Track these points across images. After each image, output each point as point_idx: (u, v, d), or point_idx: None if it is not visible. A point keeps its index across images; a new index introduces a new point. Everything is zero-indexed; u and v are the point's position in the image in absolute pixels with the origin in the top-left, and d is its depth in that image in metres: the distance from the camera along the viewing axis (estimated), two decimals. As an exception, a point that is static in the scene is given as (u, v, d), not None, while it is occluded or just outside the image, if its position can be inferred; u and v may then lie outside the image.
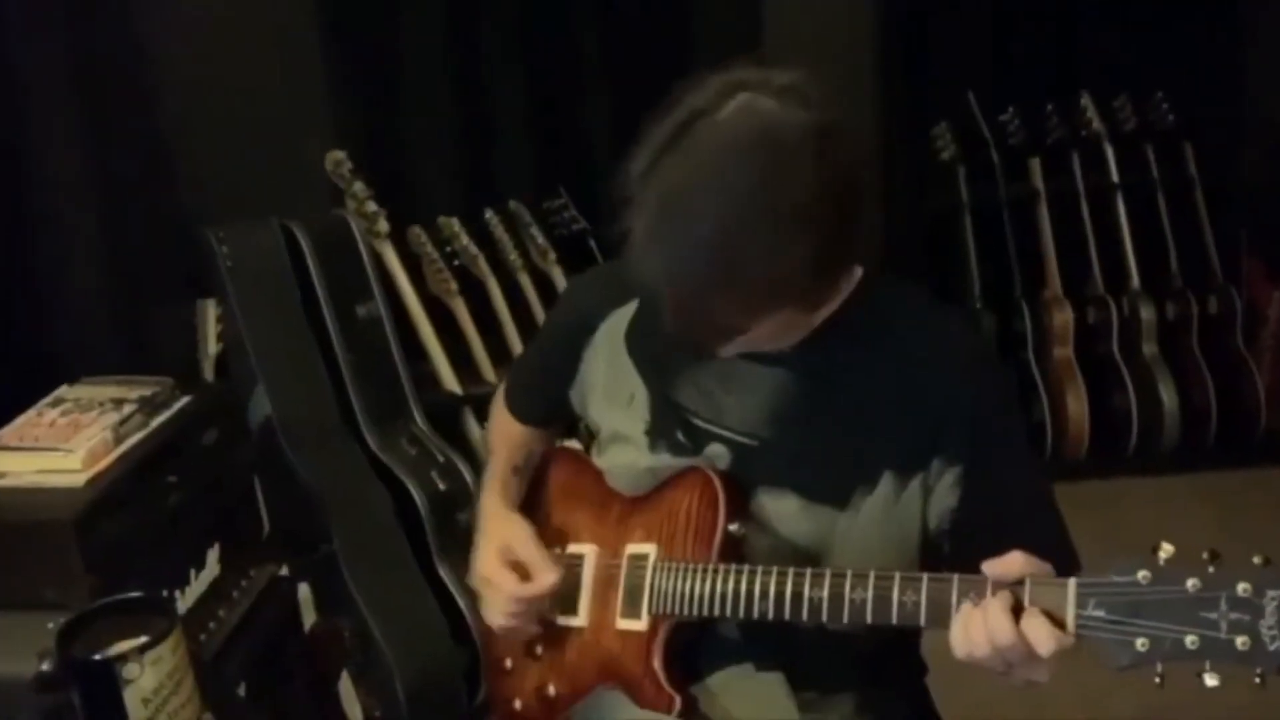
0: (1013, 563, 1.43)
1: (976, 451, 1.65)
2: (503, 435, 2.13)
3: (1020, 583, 1.42)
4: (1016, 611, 1.41)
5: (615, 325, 1.88)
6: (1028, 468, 1.75)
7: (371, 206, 3.82)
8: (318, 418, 3.33)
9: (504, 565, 1.88)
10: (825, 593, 1.56)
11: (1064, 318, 5.03)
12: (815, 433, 1.70)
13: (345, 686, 3.06)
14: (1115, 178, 5.11)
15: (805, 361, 1.69)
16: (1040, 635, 1.38)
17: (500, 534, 1.92)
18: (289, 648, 2.83)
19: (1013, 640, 1.39)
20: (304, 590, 3.00)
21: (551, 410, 2.05)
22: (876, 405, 1.67)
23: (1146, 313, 5.03)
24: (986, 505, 1.66)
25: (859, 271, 1.69)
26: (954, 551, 1.69)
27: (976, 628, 1.42)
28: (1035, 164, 5.12)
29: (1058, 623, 1.38)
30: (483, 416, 3.88)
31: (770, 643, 1.74)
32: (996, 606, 1.41)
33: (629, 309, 1.87)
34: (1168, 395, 4.95)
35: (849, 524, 1.68)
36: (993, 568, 1.44)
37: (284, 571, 2.83)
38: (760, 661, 1.77)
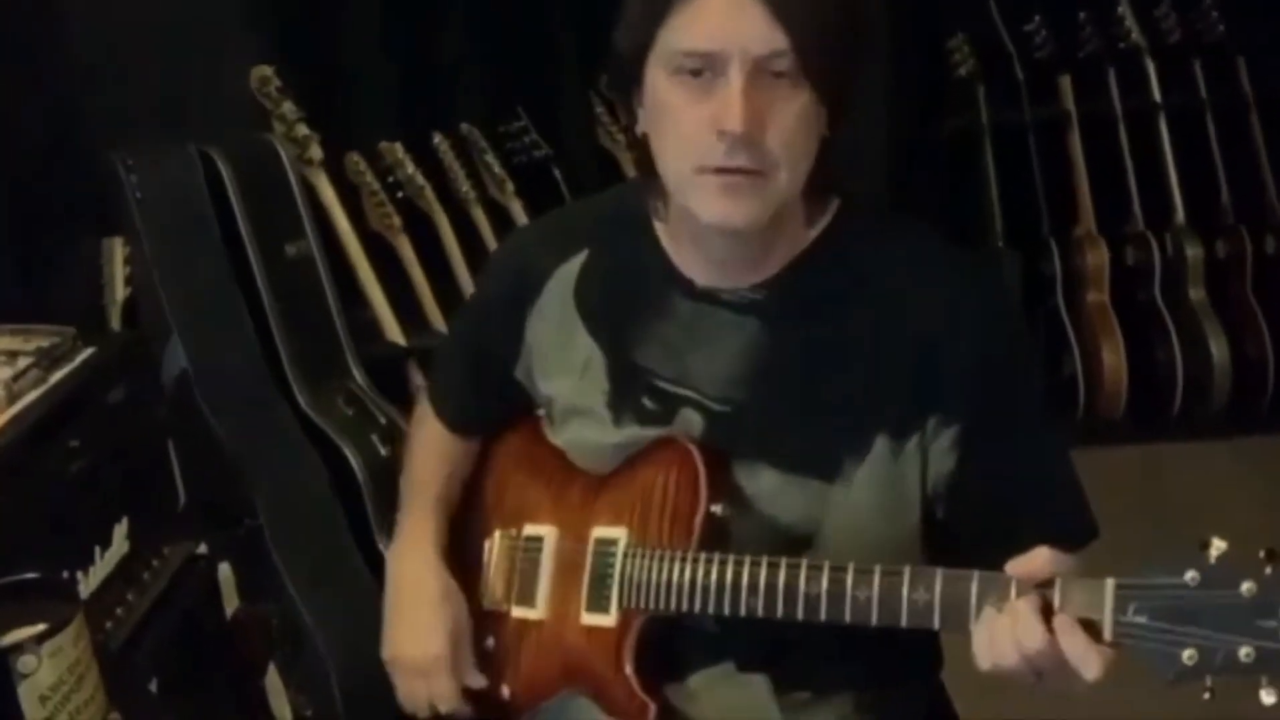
0: (1039, 561, 1.42)
1: (978, 408, 1.65)
2: (432, 459, 2.07)
3: (1049, 583, 1.41)
4: (1046, 614, 1.40)
5: (561, 282, 1.85)
6: (1038, 428, 1.74)
7: (303, 130, 3.82)
8: (241, 373, 3.33)
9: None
10: (824, 588, 1.55)
11: (1099, 258, 5.05)
12: (796, 393, 1.69)
13: (272, 681, 3.06)
14: (1157, 97, 5.13)
15: (780, 308, 1.70)
16: (1080, 653, 1.36)
17: (451, 613, 1.94)
18: (208, 637, 2.82)
19: (1044, 646, 1.38)
20: (225, 571, 2.98)
21: (495, 406, 2.00)
22: (864, 358, 1.67)
23: (1193, 252, 5.05)
24: (988, 471, 1.66)
25: (835, 204, 1.70)
26: (949, 516, 1.70)
27: (1003, 634, 1.41)
28: (1065, 82, 5.13)
29: (1093, 630, 1.37)
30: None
31: (754, 639, 1.73)
32: (1024, 609, 1.40)
33: (576, 262, 1.85)
34: (1217, 347, 4.97)
35: (841, 498, 1.67)
36: (1017, 567, 1.43)
37: (202, 549, 2.82)
38: (742, 660, 1.76)
